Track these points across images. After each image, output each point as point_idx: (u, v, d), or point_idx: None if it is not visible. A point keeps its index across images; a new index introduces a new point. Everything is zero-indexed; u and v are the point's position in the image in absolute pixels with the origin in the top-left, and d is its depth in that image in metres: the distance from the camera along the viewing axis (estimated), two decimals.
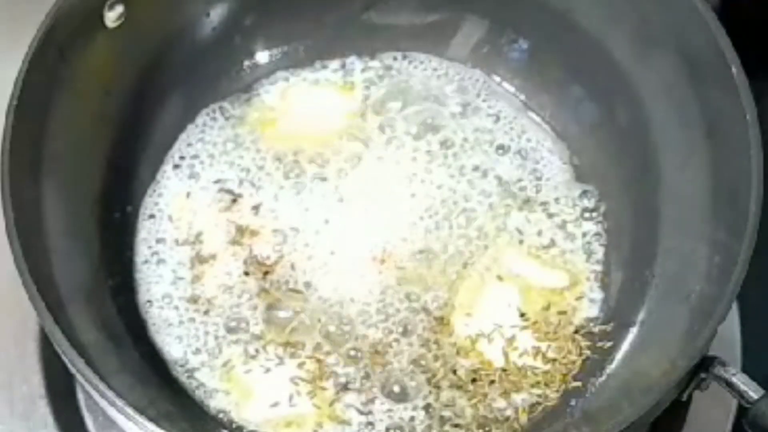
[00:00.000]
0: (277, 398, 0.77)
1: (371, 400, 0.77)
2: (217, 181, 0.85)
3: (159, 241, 0.83)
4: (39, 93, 0.73)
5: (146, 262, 0.82)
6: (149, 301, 0.81)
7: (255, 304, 0.80)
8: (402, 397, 0.77)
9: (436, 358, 0.78)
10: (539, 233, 0.83)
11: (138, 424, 0.63)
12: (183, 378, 0.78)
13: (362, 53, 0.90)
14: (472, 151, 0.86)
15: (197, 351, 0.79)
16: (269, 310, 0.80)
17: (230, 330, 0.80)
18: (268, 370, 0.78)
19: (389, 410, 0.77)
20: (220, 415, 0.77)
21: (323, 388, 0.77)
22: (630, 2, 0.79)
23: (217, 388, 0.78)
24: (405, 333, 0.79)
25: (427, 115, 0.88)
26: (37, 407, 0.82)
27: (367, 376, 0.78)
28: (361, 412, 0.77)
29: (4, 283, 0.74)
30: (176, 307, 0.80)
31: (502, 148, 0.87)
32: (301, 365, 0.78)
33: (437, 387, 0.77)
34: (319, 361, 0.78)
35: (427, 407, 0.77)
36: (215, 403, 0.77)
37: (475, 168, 0.86)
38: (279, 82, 0.89)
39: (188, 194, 0.85)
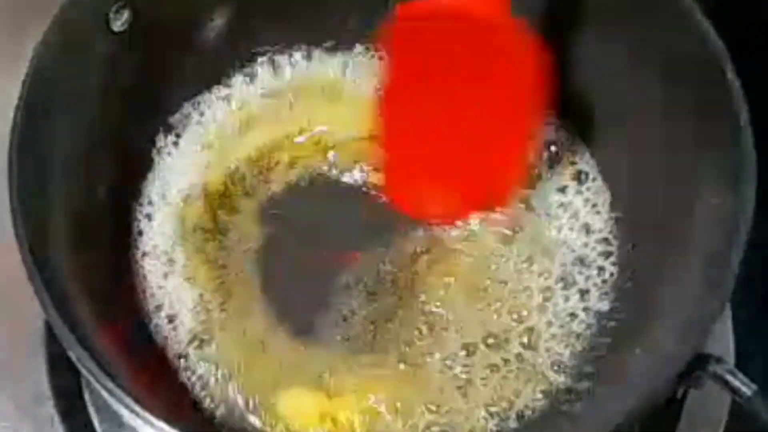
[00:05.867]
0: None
1: (367, 411, 0.77)
2: (218, 180, 0.86)
3: (161, 237, 0.83)
4: (44, 95, 0.73)
5: (153, 258, 0.83)
6: (154, 305, 0.81)
7: (257, 307, 0.81)
8: (402, 405, 0.77)
9: (433, 370, 0.78)
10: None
11: (148, 422, 0.63)
12: (192, 378, 0.78)
13: (363, 51, 0.91)
14: None
15: (201, 352, 0.79)
16: (270, 308, 0.81)
17: (234, 333, 0.80)
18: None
19: (387, 422, 0.77)
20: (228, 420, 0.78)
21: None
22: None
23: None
24: (409, 333, 0.80)
25: None
26: (43, 406, 0.82)
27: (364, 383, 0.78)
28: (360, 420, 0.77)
29: (10, 281, 0.74)
30: (182, 305, 0.81)
31: None
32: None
33: (430, 399, 0.77)
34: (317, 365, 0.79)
35: (423, 415, 0.77)
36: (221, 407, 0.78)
37: None
38: (280, 80, 0.90)
39: (191, 192, 0.85)
